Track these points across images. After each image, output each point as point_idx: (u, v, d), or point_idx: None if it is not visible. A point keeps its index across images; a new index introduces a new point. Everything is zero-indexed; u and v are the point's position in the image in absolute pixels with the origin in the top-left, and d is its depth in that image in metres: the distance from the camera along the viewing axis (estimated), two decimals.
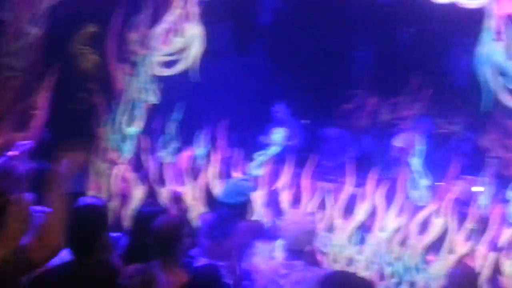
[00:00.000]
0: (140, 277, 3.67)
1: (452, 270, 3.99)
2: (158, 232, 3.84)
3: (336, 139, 7.60)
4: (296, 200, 5.99)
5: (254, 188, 4.82)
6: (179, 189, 6.34)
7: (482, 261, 5.09)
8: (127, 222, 6.04)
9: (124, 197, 6.35)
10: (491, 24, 4.96)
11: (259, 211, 5.73)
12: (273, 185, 6.12)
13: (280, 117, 7.87)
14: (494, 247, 5.10)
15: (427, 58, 8.49)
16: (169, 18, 6.33)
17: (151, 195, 6.27)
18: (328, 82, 8.49)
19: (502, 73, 4.94)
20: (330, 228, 5.75)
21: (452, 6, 5.09)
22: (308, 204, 5.89)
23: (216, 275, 3.63)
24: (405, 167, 5.94)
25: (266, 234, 4.45)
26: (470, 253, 5.17)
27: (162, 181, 6.44)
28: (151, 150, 6.56)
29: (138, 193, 6.34)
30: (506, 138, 6.90)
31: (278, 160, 6.41)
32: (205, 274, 3.68)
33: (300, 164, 6.35)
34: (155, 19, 6.45)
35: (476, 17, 5.07)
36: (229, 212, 4.50)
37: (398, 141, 7.26)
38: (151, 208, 4.33)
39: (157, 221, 3.88)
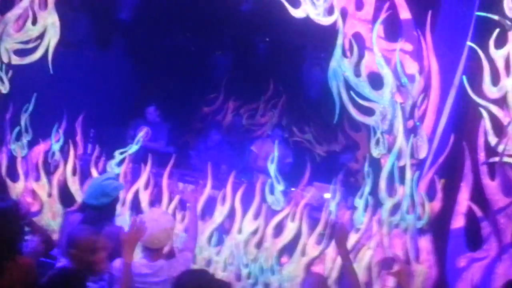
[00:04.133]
0: None
1: (304, 279, 4.13)
2: None
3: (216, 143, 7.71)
4: (156, 201, 5.99)
5: (121, 187, 4.70)
6: (33, 184, 6.09)
7: (331, 264, 5.43)
8: None
9: None
10: (341, 41, 5.28)
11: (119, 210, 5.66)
12: (132, 184, 6.08)
13: (150, 118, 7.80)
14: None
15: (283, 68, 8.87)
16: (22, 4, 6.04)
17: (2, 189, 5.95)
18: (188, 83, 8.56)
19: (350, 88, 5.26)
20: None
21: (309, 20, 5.37)
22: (168, 204, 5.92)
23: (73, 277, 3.55)
24: (262, 172, 6.16)
25: None
26: (321, 256, 5.50)
27: (14, 175, 6.13)
28: (1, 142, 6.23)
29: None
30: (355, 149, 7.44)
31: (138, 160, 6.37)
32: (61, 276, 3.57)
33: (160, 164, 6.39)
34: (7, 4, 6.13)
35: (329, 33, 5.38)
36: (95, 214, 4.30)
37: (254, 147, 7.58)
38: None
39: None
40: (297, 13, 5.36)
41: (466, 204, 4.86)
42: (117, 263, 3.89)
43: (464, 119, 5.19)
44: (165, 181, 6.02)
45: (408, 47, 5.25)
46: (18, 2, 6.08)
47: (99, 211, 4.35)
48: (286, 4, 5.31)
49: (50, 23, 6.06)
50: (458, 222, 4.86)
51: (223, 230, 5.81)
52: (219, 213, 5.81)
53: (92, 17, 8.28)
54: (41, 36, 6.07)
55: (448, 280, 4.82)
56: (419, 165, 5.17)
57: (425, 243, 4.98)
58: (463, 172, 4.91)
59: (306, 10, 5.34)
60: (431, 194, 5.05)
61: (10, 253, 3.65)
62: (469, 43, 4.98)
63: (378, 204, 5.27)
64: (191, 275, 3.47)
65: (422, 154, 5.17)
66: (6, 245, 3.64)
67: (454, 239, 4.85)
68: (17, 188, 6.11)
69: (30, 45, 6.10)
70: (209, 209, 5.87)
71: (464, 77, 4.88)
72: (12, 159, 6.22)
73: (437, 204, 5.02)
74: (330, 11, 5.33)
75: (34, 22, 6.06)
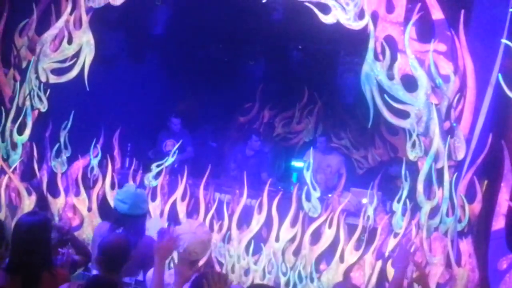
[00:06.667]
0: None
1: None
2: None
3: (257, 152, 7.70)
4: (193, 212, 6.03)
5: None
6: (74, 199, 6.19)
7: (370, 269, 5.37)
8: None
9: (13, 208, 6.11)
10: (373, 44, 5.25)
11: (156, 222, 5.72)
12: (170, 196, 6.13)
13: (175, 128, 7.86)
14: (381, 255, 5.40)
15: (317, 75, 8.83)
16: (58, 24, 6.18)
17: (43, 205, 6.08)
18: (222, 94, 8.60)
19: (384, 92, 5.22)
20: (227, 239, 5.84)
21: (340, 26, 5.35)
22: (205, 215, 5.95)
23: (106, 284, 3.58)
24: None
25: None
26: (359, 262, 5.45)
27: (54, 191, 6.26)
28: (42, 159, 6.36)
29: (28, 204, 6.11)
30: (392, 153, 7.35)
31: (174, 172, 6.42)
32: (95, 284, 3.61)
33: (197, 175, 6.42)
34: (44, 25, 6.28)
35: (361, 38, 5.34)
36: (138, 222, 4.36)
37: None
38: (30, 217, 3.93)
39: None
40: (328, 19, 5.35)
41: (507, 204, 4.76)
42: (151, 272, 3.91)
43: (502, 117, 5.08)
44: (201, 192, 6.05)
45: (442, 47, 5.18)
46: (54, 23, 6.22)
47: (142, 219, 4.40)
48: (316, 11, 5.30)
49: (85, 41, 6.17)
50: (499, 223, 4.76)
51: (260, 239, 5.80)
52: (256, 222, 5.82)
53: (126, 34, 8.39)
54: (77, 55, 6.18)
55: (490, 283, 4.71)
56: (457, 166, 5.09)
57: (466, 246, 4.89)
58: (502, 172, 4.81)
59: (337, 16, 5.32)
60: (470, 195, 4.96)
61: (44, 264, 3.73)
62: (504, 40, 4.88)
63: (416, 208, 5.20)
64: None
65: (460, 155, 5.08)
66: (38, 256, 3.72)
67: (495, 241, 4.74)
68: (58, 204, 6.23)
69: (67, 64, 6.21)
70: (246, 218, 5.87)
71: (499, 75, 4.78)
72: (52, 176, 6.33)
73: (477, 206, 4.93)
74: (360, 15, 5.30)
75: (70, 41, 6.18)
